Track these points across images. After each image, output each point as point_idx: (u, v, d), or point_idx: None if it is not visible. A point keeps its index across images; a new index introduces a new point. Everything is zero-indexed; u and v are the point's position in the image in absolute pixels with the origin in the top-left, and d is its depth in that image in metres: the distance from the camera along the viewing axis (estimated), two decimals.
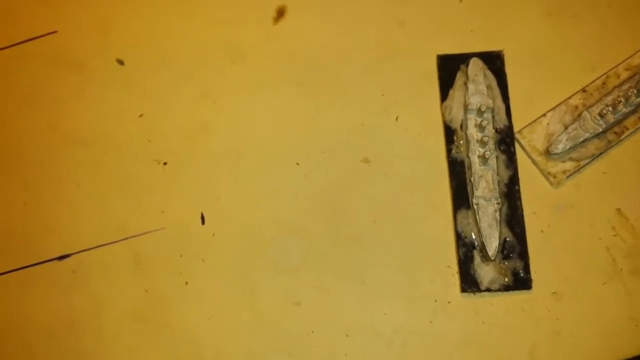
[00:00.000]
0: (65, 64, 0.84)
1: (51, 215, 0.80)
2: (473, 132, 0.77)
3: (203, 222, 0.78)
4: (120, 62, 0.84)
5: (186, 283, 0.76)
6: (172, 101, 0.82)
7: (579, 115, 0.77)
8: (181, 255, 0.77)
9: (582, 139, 0.76)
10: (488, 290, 0.74)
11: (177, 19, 0.85)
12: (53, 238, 0.79)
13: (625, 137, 0.77)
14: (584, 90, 0.79)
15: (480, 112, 0.76)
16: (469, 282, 0.74)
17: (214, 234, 0.78)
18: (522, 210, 0.76)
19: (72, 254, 0.78)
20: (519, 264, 0.74)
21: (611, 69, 0.80)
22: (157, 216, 0.78)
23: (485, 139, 0.75)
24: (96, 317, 0.76)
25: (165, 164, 0.80)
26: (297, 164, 0.79)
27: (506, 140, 0.78)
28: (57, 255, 0.78)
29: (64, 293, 0.77)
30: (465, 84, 0.79)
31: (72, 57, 0.84)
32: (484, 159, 0.75)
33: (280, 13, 0.84)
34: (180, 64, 0.83)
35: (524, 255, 0.74)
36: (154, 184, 0.80)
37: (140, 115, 0.82)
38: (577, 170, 0.77)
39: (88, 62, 0.84)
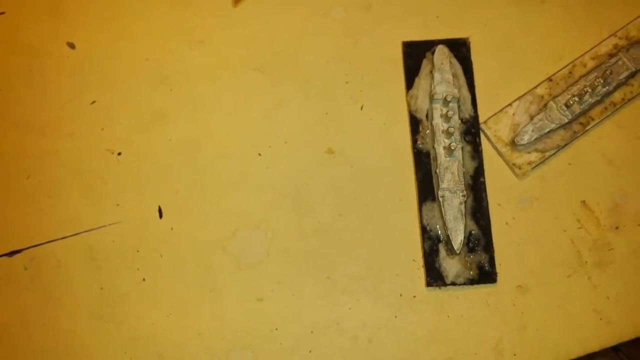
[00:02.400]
0: (13, 47, 0.80)
1: (0, 209, 0.76)
2: (439, 123, 0.75)
3: (160, 216, 0.76)
4: (71, 46, 0.80)
5: (143, 279, 0.74)
6: (127, 87, 0.79)
7: (545, 105, 0.76)
8: (138, 251, 0.75)
9: (547, 130, 0.75)
10: (453, 284, 0.73)
11: None
12: (2, 233, 0.76)
13: (591, 127, 0.77)
14: (550, 79, 0.78)
15: (446, 102, 0.75)
16: (434, 276, 0.73)
17: (172, 228, 0.75)
18: (487, 202, 0.75)
19: (23, 250, 0.75)
20: (484, 257, 0.73)
21: (577, 58, 0.79)
22: (112, 209, 0.76)
23: (451, 129, 0.74)
24: (50, 315, 0.74)
25: (119, 154, 0.77)
26: (259, 154, 0.77)
27: (472, 130, 0.77)
28: (7, 250, 0.75)
29: (16, 290, 0.74)
30: (431, 72, 0.77)
31: (21, 40, 0.80)
32: (449, 150, 0.73)
33: None
34: (135, 48, 0.80)
35: (489, 249, 0.74)
36: (108, 175, 0.77)
37: (93, 102, 0.79)
38: (542, 161, 0.76)
39: (37, 46, 0.80)
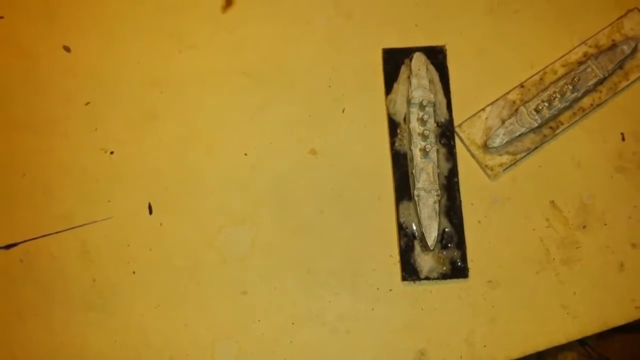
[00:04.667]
0: (11, 49, 0.83)
1: None
2: (415, 126, 0.78)
3: (150, 212, 0.78)
4: (67, 49, 0.83)
5: (133, 272, 0.77)
6: (119, 89, 0.82)
7: (516, 110, 0.80)
8: (128, 245, 0.78)
9: (518, 133, 0.79)
10: (427, 278, 0.76)
11: (125, 5, 0.84)
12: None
13: (560, 131, 0.80)
14: (522, 85, 0.82)
15: (422, 106, 0.78)
16: (409, 271, 0.77)
17: (161, 224, 0.78)
18: (460, 201, 0.78)
19: (18, 243, 0.78)
20: (456, 254, 0.77)
21: (548, 65, 0.82)
22: (104, 205, 0.79)
23: (427, 132, 0.77)
24: (44, 306, 0.76)
25: (112, 153, 0.80)
26: (245, 154, 0.80)
27: (447, 133, 0.80)
28: (4, 244, 0.78)
29: (11, 282, 0.77)
30: (409, 78, 0.80)
31: (18, 42, 0.83)
32: (425, 152, 0.77)
33: (229, 2, 0.84)
34: (127, 51, 0.83)
35: (461, 245, 0.77)
36: (100, 173, 0.80)
37: (87, 103, 0.81)
38: (514, 163, 0.79)
39: (34, 48, 0.83)
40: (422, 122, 0.78)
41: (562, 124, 0.80)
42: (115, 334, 0.76)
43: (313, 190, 0.80)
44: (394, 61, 0.82)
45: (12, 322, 0.77)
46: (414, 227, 0.77)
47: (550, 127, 0.80)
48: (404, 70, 0.82)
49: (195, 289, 0.77)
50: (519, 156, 0.79)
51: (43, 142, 0.81)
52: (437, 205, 0.76)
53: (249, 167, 0.80)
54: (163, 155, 0.80)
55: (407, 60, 0.82)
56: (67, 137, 0.81)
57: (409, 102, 0.79)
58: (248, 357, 0.75)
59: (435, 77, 0.81)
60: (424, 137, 0.77)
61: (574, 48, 0.83)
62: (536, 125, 0.79)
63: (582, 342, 0.81)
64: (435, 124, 0.79)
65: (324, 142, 0.81)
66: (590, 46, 0.82)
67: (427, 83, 0.79)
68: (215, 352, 0.75)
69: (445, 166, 0.79)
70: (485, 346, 0.75)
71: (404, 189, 0.79)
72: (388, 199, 0.79)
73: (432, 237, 0.75)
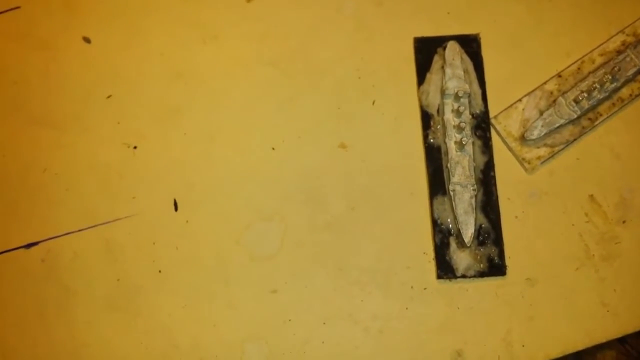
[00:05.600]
0: (29, 41, 0.81)
1: (17, 201, 0.77)
2: (450, 118, 0.76)
3: (176, 209, 0.77)
4: (87, 40, 0.81)
5: (159, 271, 0.75)
6: (142, 82, 0.80)
7: (554, 101, 0.77)
8: (154, 243, 0.76)
9: (557, 125, 0.76)
10: (463, 276, 0.74)
11: None
12: (20, 225, 0.77)
13: (599, 123, 0.78)
14: (559, 75, 0.79)
15: (457, 97, 0.76)
16: (445, 269, 0.74)
17: (187, 221, 0.76)
18: (497, 196, 0.76)
19: (40, 242, 0.76)
20: (493, 250, 0.75)
21: (586, 54, 0.80)
22: (128, 202, 0.77)
23: (462, 124, 0.75)
24: (67, 307, 0.75)
25: (135, 147, 0.78)
26: (273, 148, 0.78)
27: (482, 125, 0.78)
28: (25, 243, 0.76)
29: (33, 282, 0.75)
30: (443, 67, 0.78)
31: (36, 34, 0.81)
32: (460, 145, 0.75)
33: None
34: (150, 42, 0.81)
35: (498, 242, 0.75)
36: (124, 169, 0.78)
37: (109, 96, 0.80)
38: (552, 156, 0.77)
39: (53, 40, 0.81)
40: (458, 113, 0.75)
41: (600, 115, 0.78)
42: (141, 335, 0.74)
43: (343, 185, 0.77)
44: (427, 50, 0.80)
45: (34, 323, 0.75)
46: (449, 223, 0.75)
47: (589, 119, 0.78)
48: (437, 60, 0.79)
49: (224, 288, 0.75)
50: (557, 149, 0.77)
51: (64, 136, 0.79)
52: (473, 200, 0.74)
53: (277, 162, 0.78)
54: (188, 150, 0.78)
55: (440, 50, 0.79)
56: (88, 131, 0.79)
57: (442, 93, 0.77)
58: (278, 358, 0.73)
59: (470, 66, 0.79)
60: (460, 129, 0.75)
61: (612, 37, 0.80)
62: (575, 116, 0.76)
63: (622, 341, 0.79)
64: (470, 116, 0.77)
65: (354, 135, 0.79)
66: (628, 35, 0.80)
67: (462, 73, 0.77)
68: (245, 353, 0.73)
69: (481, 159, 0.76)
70: (523, 346, 0.73)
71: (438, 183, 0.76)
72: (421, 194, 0.77)
73: (469, 233, 0.73)
